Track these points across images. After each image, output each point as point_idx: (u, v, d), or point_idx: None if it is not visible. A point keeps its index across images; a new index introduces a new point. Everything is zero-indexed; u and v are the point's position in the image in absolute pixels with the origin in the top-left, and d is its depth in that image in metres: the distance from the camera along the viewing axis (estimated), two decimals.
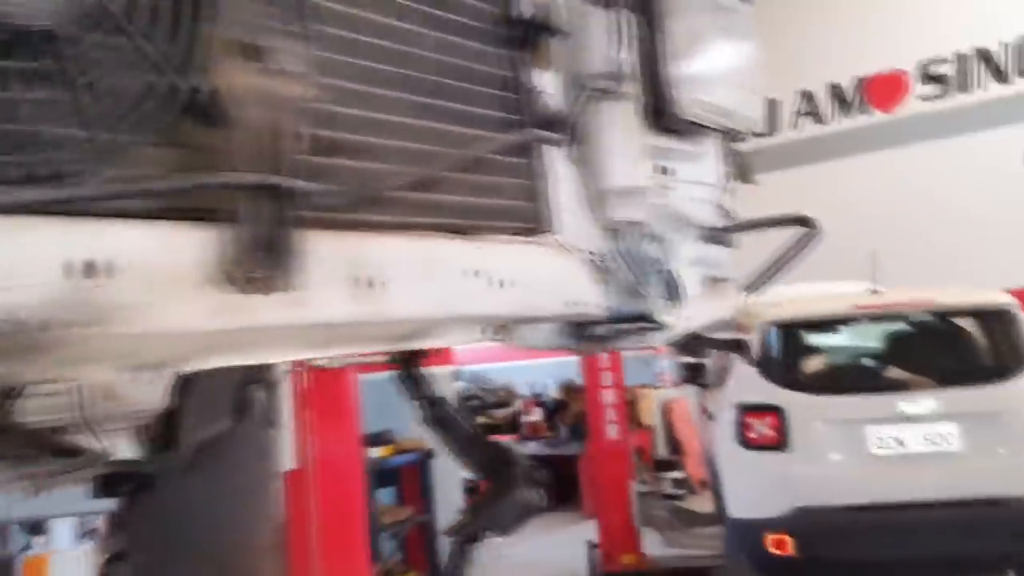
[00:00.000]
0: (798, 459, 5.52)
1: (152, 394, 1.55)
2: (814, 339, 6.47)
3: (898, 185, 10.01)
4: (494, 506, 2.12)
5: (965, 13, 9.84)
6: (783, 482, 5.52)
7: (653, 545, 7.77)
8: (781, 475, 5.53)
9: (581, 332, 1.62)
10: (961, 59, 10.08)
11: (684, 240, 1.83)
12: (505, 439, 10.45)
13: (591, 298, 1.55)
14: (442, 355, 9.17)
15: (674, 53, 1.71)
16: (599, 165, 1.56)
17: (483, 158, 1.37)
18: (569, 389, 10.49)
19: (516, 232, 1.43)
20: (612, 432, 7.92)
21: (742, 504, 5.75)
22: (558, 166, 1.52)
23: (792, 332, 6.09)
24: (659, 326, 1.64)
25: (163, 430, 1.88)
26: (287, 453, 3.38)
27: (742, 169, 2.22)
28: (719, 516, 6.33)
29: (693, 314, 1.83)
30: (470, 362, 12.65)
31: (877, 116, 10.62)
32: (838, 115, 10.83)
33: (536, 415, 10.78)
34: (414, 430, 7.96)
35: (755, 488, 5.69)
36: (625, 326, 1.60)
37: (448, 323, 1.34)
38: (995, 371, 5.72)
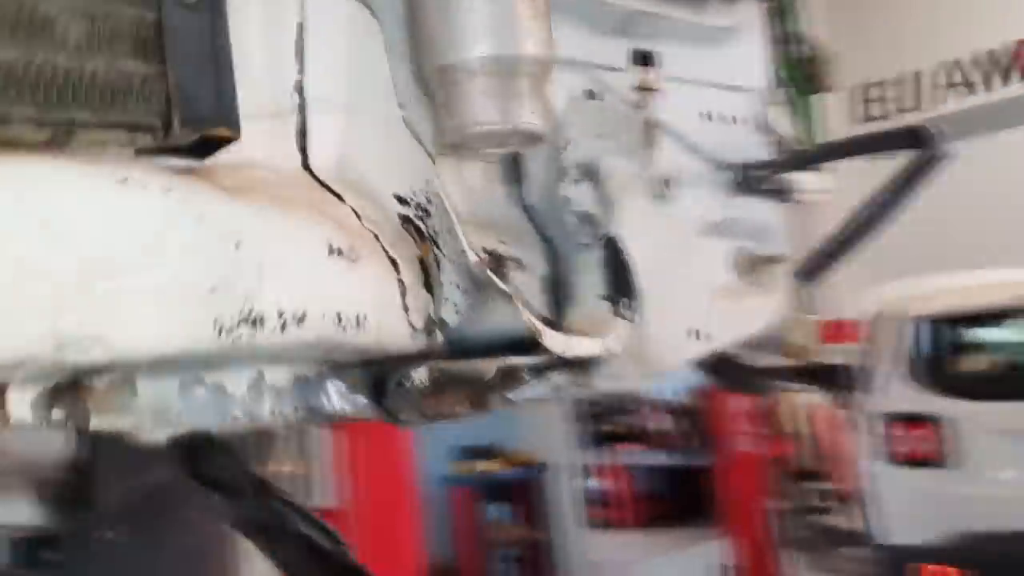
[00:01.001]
0: (961, 477, 4.82)
1: (48, 445, 1.22)
2: (974, 335, 5.64)
3: None
4: None
5: None
6: (943, 504, 4.84)
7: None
8: (940, 495, 4.83)
9: (379, 385, 0.77)
10: None
11: (688, 186, 1.00)
12: (631, 448, 9.90)
13: (365, 307, 0.74)
14: None
15: None
16: (451, 15, 0.75)
17: None
18: (702, 393, 9.82)
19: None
20: (745, 442, 7.25)
21: (892, 527, 5.04)
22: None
23: (947, 328, 5.31)
24: (576, 365, 0.80)
25: (72, 486, 1.48)
26: (327, 489, 2.94)
27: (809, 63, 1.30)
28: (869, 537, 5.63)
29: (715, 325, 1.05)
30: None
31: None
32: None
33: (665, 422, 10.13)
34: (525, 441, 7.50)
35: (907, 510, 5.03)
36: (487, 366, 0.76)
37: None
38: None
